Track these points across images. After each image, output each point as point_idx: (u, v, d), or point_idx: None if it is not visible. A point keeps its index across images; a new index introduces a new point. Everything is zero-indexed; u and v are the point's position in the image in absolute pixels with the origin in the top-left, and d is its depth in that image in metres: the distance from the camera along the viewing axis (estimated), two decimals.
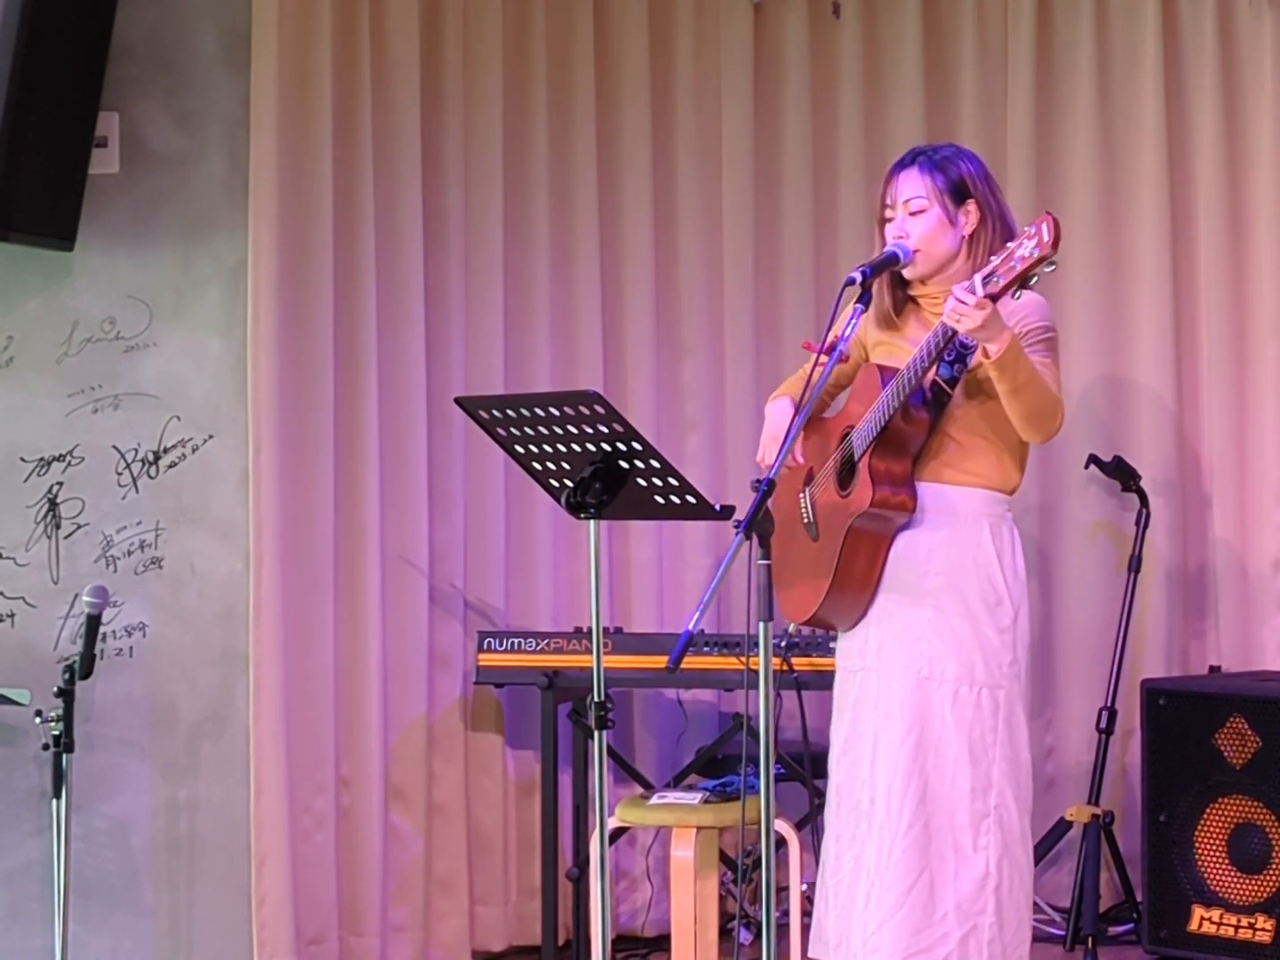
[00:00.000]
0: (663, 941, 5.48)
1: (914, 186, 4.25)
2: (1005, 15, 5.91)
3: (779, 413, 4.37)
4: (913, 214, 4.24)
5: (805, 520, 4.36)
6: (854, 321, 4.10)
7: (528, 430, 4.05)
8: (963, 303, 3.93)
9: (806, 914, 5.18)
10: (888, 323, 4.33)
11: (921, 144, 4.44)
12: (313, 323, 5.42)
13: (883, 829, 4.15)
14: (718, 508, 4.02)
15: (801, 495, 4.39)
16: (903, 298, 4.34)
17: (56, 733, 4.40)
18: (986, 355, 4.01)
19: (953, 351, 4.14)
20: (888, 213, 4.28)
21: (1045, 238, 3.83)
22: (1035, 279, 3.90)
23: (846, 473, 4.25)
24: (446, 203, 5.66)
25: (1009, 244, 3.95)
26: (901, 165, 4.29)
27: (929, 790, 4.14)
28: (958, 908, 4.13)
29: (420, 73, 5.58)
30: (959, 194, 4.26)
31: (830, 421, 4.40)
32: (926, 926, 4.12)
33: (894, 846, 4.13)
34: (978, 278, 3.94)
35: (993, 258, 3.96)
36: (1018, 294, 3.94)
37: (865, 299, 4.12)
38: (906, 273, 4.28)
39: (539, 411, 4.00)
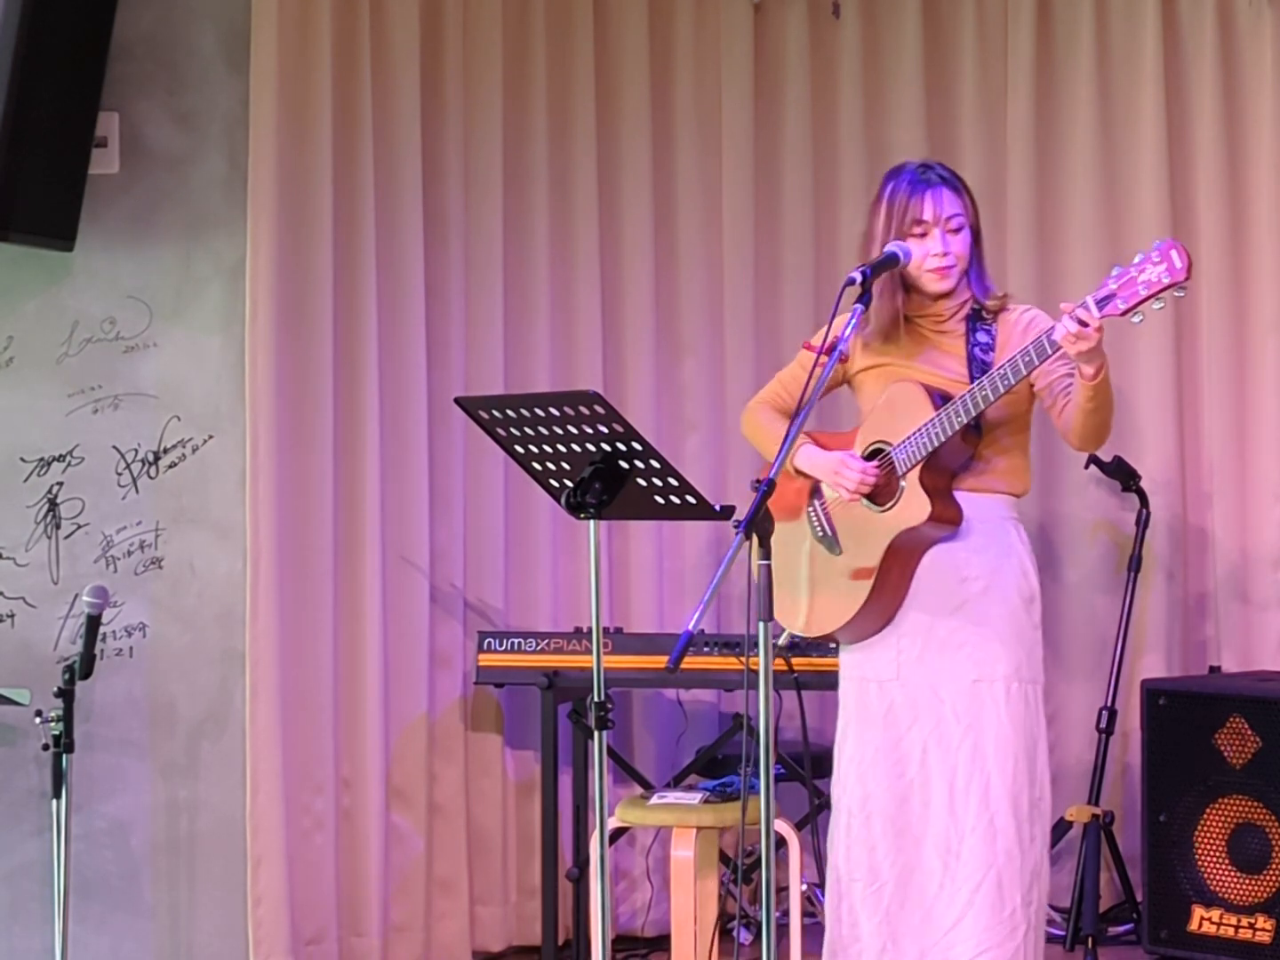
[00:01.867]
0: (663, 941, 5.48)
1: (954, 204, 4.26)
2: (1005, 15, 5.91)
3: (815, 453, 4.32)
4: (952, 230, 4.25)
5: (819, 534, 4.36)
6: (854, 321, 4.10)
7: (528, 430, 4.05)
8: (1084, 325, 3.94)
9: (806, 914, 5.19)
10: (888, 335, 4.32)
11: (926, 160, 4.39)
12: (312, 322, 5.42)
13: (947, 833, 4.20)
14: (718, 508, 4.03)
15: (810, 509, 4.39)
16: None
17: (56, 733, 4.39)
18: (1084, 376, 4.05)
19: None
20: (918, 229, 4.24)
21: (1179, 264, 3.89)
22: (1161, 304, 3.94)
23: (880, 487, 4.24)
24: (446, 202, 5.66)
25: (1125, 267, 3.96)
26: (928, 183, 4.25)
27: (991, 789, 4.19)
28: (1023, 901, 4.21)
29: (420, 73, 5.58)
30: (977, 218, 4.32)
31: (844, 436, 4.39)
32: (998, 923, 4.19)
33: (960, 847, 4.20)
34: (1091, 299, 3.95)
35: (1108, 281, 3.96)
36: (1138, 317, 3.97)
37: (865, 299, 4.12)
38: (932, 286, 4.27)
39: (539, 411, 4.00)
